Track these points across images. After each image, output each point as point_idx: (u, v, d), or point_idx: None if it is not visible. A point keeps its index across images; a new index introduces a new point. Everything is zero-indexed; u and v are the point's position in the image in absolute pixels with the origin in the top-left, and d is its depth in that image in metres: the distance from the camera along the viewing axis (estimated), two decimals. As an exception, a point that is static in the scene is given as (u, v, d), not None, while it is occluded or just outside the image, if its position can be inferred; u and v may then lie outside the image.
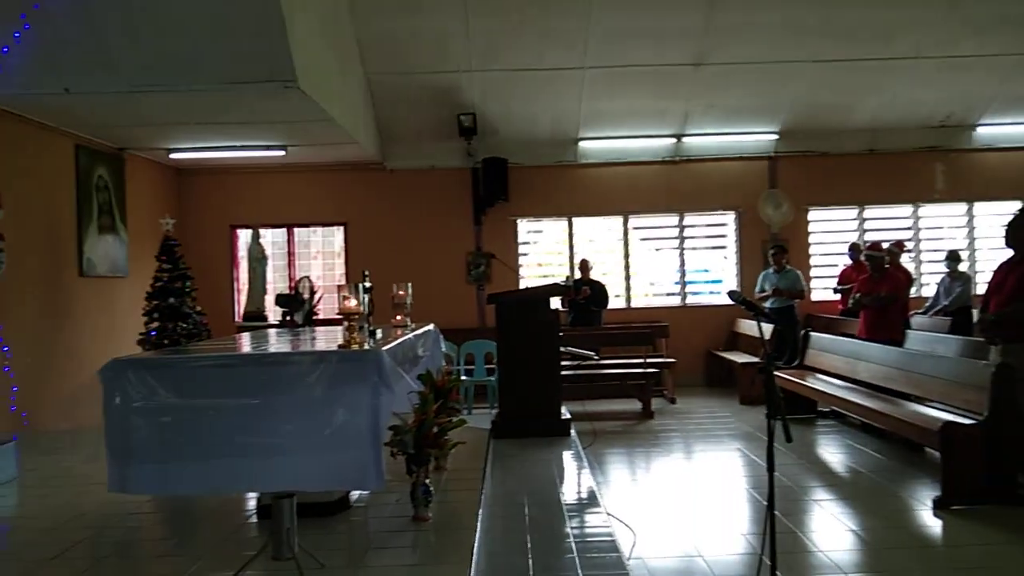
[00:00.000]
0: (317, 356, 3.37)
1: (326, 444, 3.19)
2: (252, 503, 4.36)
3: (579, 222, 10.61)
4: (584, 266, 9.62)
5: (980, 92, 9.65)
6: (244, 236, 10.23)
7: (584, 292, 9.32)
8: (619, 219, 10.57)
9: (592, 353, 7.89)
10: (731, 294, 3.48)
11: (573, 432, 6.30)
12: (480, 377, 8.22)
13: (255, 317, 8.72)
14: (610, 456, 6.50)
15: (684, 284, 10.60)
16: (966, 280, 8.82)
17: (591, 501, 4.58)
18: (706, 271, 10.69)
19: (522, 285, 10.06)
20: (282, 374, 3.29)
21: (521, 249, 10.57)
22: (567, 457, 5.64)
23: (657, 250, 10.72)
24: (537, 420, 6.22)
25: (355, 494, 4.31)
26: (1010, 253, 5.41)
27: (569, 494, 4.72)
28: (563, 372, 7.00)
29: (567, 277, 10.05)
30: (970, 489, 4.83)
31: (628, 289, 10.58)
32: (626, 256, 10.59)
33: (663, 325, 9.78)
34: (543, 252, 10.82)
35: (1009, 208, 9.92)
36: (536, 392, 6.21)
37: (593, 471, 5.62)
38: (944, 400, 5.64)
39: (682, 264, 10.60)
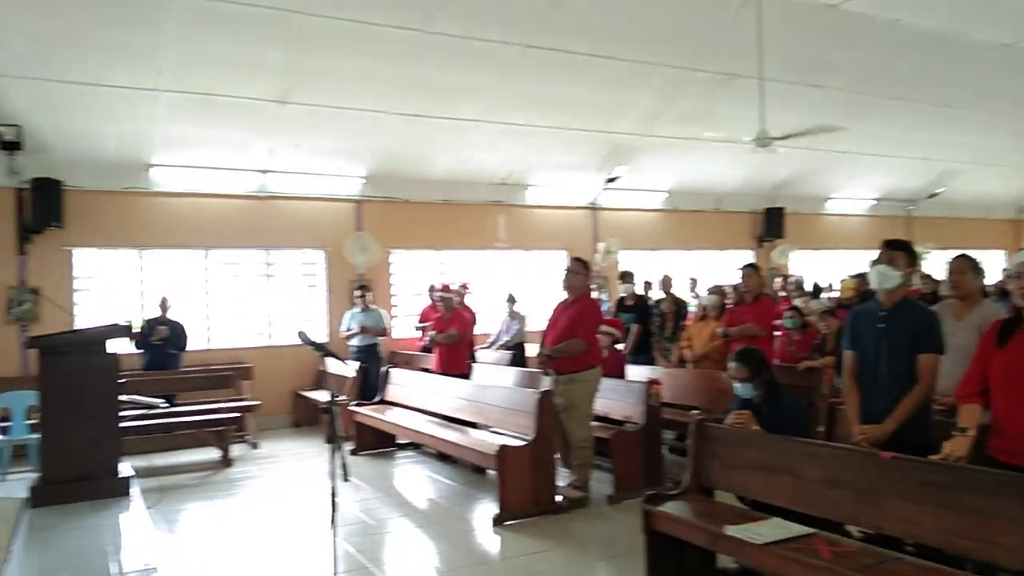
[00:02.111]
0: None
1: None
2: None
3: (153, 254, 9.65)
4: (163, 304, 8.75)
5: (529, 157, 11.18)
6: None
7: (160, 332, 8.47)
8: (201, 252, 9.89)
9: (160, 400, 7.18)
10: (300, 335, 3.41)
11: (136, 491, 5.60)
12: (20, 435, 6.91)
13: None
14: (180, 514, 5.92)
15: (270, 323, 10.29)
16: (522, 319, 10.08)
17: (149, 570, 4.07)
18: (295, 310, 10.52)
19: (78, 325, 8.76)
20: None
21: (79, 284, 9.22)
22: (124, 521, 4.97)
23: (242, 287, 10.24)
24: (89, 482, 5.38)
25: None
26: (565, 295, 6.13)
27: (125, 564, 4.14)
28: (127, 424, 6.21)
29: (141, 319, 8.99)
30: (522, 504, 5.44)
31: (209, 328, 9.92)
32: (207, 293, 9.94)
33: (246, 366, 9.34)
34: (108, 288, 9.54)
35: (554, 256, 11.68)
36: (88, 449, 5.37)
37: (157, 533, 5.05)
38: (502, 426, 6.28)
39: (268, 302, 10.29)
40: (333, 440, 2.86)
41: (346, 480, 2.84)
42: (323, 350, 3.32)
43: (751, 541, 3.32)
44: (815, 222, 14.60)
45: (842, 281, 9.84)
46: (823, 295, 10.44)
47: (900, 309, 3.61)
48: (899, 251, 3.64)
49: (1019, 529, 2.72)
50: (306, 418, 9.91)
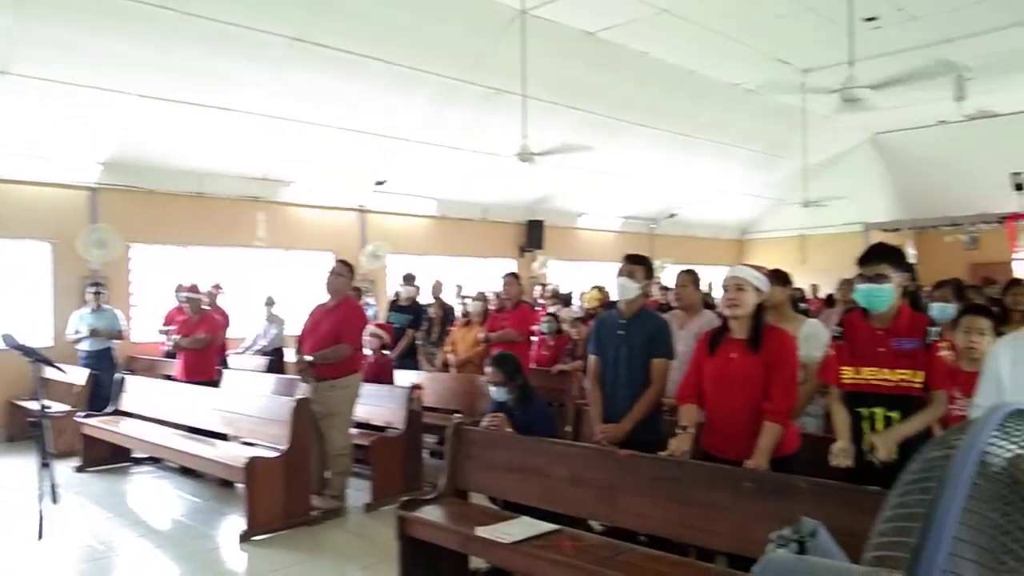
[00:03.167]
0: None
1: None
2: None
3: None
4: None
5: (294, 153, 10.71)
6: None
7: None
8: None
9: None
10: (5, 338, 2.95)
11: None
12: None
13: None
14: None
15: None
16: (280, 322, 9.63)
17: None
18: (12, 309, 9.16)
19: None
20: None
21: None
22: None
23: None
24: None
25: None
26: (325, 299, 5.89)
27: None
28: None
29: None
30: (272, 517, 5.16)
31: None
32: None
33: (-55, 374, 8.00)
34: None
35: (320, 258, 11.28)
36: None
37: None
38: (254, 436, 5.93)
39: (-23, 300, 8.88)
40: (43, 457, 2.49)
41: (55, 502, 2.48)
42: (34, 355, 2.90)
43: (500, 541, 3.40)
44: (571, 235, 15.57)
45: (585, 293, 10.56)
46: (575, 303, 11.12)
47: (638, 318, 3.91)
48: (638, 265, 3.94)
49: (731, 516, 3.04)
50: (22, 431, 8.66)
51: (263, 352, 9.30)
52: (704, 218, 17.74)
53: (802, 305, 9.43)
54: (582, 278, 14.81)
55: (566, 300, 11.38)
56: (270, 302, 9.66)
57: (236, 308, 9.57)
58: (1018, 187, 14.01)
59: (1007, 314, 4.53)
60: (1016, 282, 5.08)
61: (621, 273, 3.93)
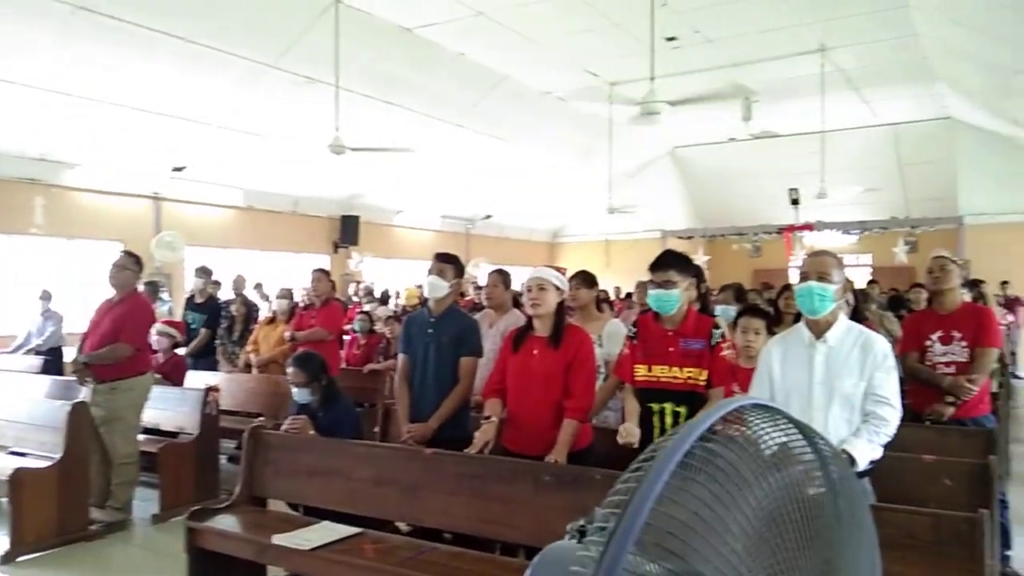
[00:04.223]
0: None
1: None
2: None
3: None
4: None
5: (78, 131, 9.69)
6: None
7: None
8: None
9: None
10: None
11: None
12: None
13: None
14: None
15: None
16: (58, 319, 8.70)
17: None
18: None
19: None
20: None
21: None
22: None
23: None
24: None
25: None
26: (112, 292, 5.32)
27: None
28: None
29: None
30: (43, 534, 4.63)
31: None
32: None
33: None
34: None
35: (108, 248, 10.30)
36: None
37: None
38: (23, 445, 5.30)
39: None
40: None
41: None
42: None
43: (298, 548, 3.26)
44: (388, 232, 15.40)
45: (407, 288, 10.51)
46: (391, 302, 11.01)
47: (447, 316, 3.92)
48: (448, 263, 3.95)
49: (531, 511, 3.11)
50: None
51: (38, 351, 8.35)
52: (518, 221, 18.22)
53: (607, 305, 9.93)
54: (399, 276, 14.71)
55: (382, 299, 11.25)
56: (46, 296, 8.69)
57: (6, 303, 8.54)
58: (794, 201, 15.60)
59: (780, 316, 4.99)
60: (788, 287, 5.62)
61: (431, 272, 3.92)
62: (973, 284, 7.76)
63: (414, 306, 9.12)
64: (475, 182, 15.12)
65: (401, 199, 15.08)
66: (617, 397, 4.18)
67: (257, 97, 9.92)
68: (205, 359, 7.91)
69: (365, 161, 10.58)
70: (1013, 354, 10.96)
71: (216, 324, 8.27)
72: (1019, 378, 11.90)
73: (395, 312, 8.83)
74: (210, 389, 5.98)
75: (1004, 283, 13.18)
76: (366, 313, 8.10)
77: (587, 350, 3.48)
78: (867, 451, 2.75)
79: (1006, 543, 4.20)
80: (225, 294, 8.93)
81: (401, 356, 4.03)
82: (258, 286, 10.47)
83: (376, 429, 4.80)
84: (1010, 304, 12.13)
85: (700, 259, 15.70)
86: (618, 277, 15.20)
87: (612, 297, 13.56)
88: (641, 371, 3.32)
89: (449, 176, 14.34)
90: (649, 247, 3.55)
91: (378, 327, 8.01)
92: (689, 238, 18.43)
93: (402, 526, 3.81)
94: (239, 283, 9.14)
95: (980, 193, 14.73)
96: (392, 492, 3.52)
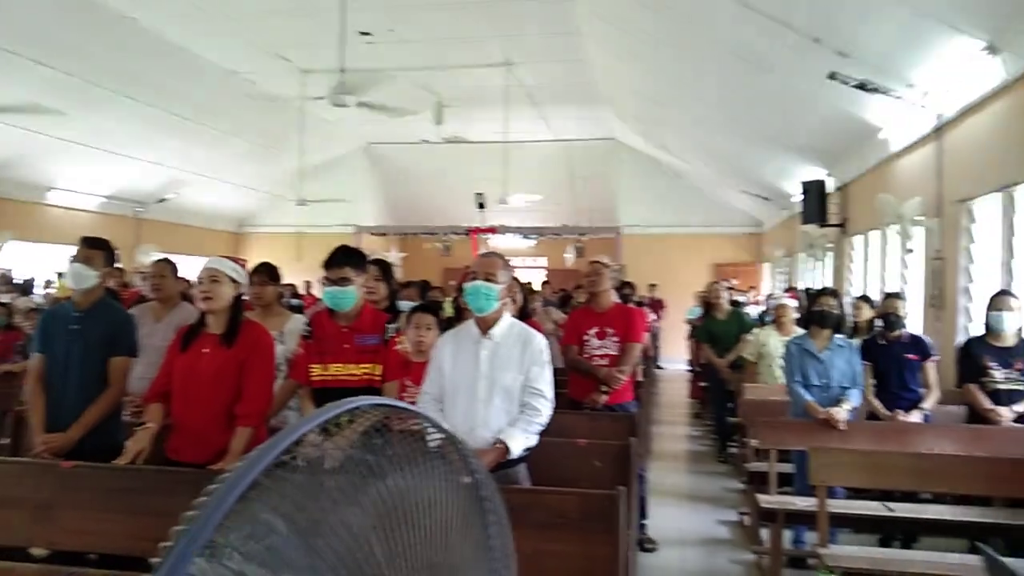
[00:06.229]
0: None
1: None
2: None
3: None
4: None
5: None
6: None
7: None
8: None
9: None
10: None
11: None
12: None
13: None
14: None
15: None
16: None
17: None
18: None
19: None
20: None
21: None
22: None
23: None
24: None
25: None
26: None
27: None
28: None
29: None
30: None
31: None
32: None
33: None
34: None
35: None
36: None
37: None
38: None
39: None
40: None
41: None
42: None
43: None
44: (36, 211, 13.27)
45: (60, 279, 9.20)
46: (35, 293, 9.56)
47: (96, 310, 3.46)
48: (97, 250, 3.49)
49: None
50: None
51: None
52: (198, 207, 16.86)
53: (295, 301, 9.61)
54: (50, 263, 12.76)
55: (25, 288, 9.73)
56: None
57: None
58: (480, 205, 16.51)
59: (461, 314, 5.23)
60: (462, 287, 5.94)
61: (76, 259, 3.43)
62: (623, 287, 8.84)
63: (68, 298, 8.01)
64: (146, 161, 13.63)
65: (53, 174, 13.05)
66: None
67: None
68: None
69: (5, 128, 9.03)
70: (657, 347, 12.68)
71: None
72: (661, 368, 13.84)
73: (40, 304, 7.66)
74: None
75: (652, 285, 15.26)
76: (4, 305, 6.95)
77: (263, 348, 3.29)
78: (521, 440, 2.95)
79: (643, 513, 4.84)
80: None
81: (36, 355, 3.48)
82: None
83: (6, 441, 4.11)
84: (655, 304, 14.04)
85: (394, 256, 15.94)
86: (310, 271, 14.78)
87: (303, 292, 13.21)
88: (317, 370, 3.23)
89: (114, 152, 12.73)
90: (343, 242, 3.47)
91: (18, 320, 6.91)
92: (383, 235, 18.59)
93: (40, 552, 3.28)
94: None
95: (636, 206, 16.91)
96: (22, 514, 3.01)
